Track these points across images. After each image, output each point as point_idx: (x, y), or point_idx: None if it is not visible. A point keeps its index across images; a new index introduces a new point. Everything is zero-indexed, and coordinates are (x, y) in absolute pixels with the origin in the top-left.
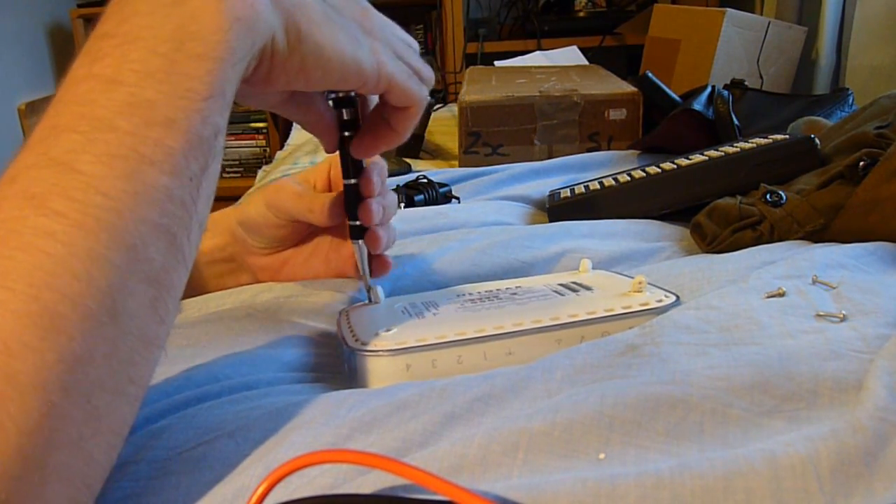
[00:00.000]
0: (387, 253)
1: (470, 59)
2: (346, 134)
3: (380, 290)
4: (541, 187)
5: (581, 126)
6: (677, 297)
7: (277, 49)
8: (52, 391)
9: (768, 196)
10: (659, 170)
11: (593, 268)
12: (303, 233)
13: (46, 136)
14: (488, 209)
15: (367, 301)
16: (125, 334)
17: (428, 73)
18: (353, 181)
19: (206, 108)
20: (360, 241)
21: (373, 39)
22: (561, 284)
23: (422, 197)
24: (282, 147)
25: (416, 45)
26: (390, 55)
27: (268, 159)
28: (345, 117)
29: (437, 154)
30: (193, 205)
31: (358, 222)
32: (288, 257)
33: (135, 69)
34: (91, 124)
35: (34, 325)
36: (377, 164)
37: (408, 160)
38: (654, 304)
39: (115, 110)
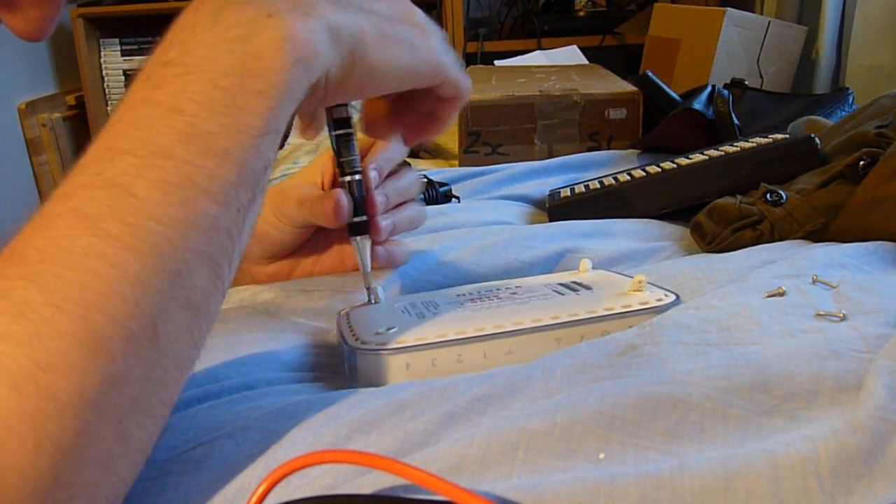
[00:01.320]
0: (402, 242)
1: (470, 59)
2: (339, 132)
3: (380, 290)
4: (541, 187)
5: (581, 125)
6: (677, 296)
7: (332, 79)
8: (88, 411)
9: (768, 195)
10: (659, 169)
11: (593, 267)
12: (309, 234)
13: (102, 157)
14: (488, 209)
15: (367, 301)
16: (162, 357)
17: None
18: (348, 179)
19: (261, 143)
20: (359, 238)
21: (428, 39)
22: (561, 284)
23: (422, 196)
24: (282, 147)
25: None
26: (445, 50)
27: None
28: (335, 116)
29: (436, 153)
30: (238, 235)
31: (356, 219)
32: (296, 262)
33: (195, 100)
34: (148, 149)
35: (79, 345)
36: (377, 158)
37: (408, 159)
38: (653, 304)
39: (174, 138)
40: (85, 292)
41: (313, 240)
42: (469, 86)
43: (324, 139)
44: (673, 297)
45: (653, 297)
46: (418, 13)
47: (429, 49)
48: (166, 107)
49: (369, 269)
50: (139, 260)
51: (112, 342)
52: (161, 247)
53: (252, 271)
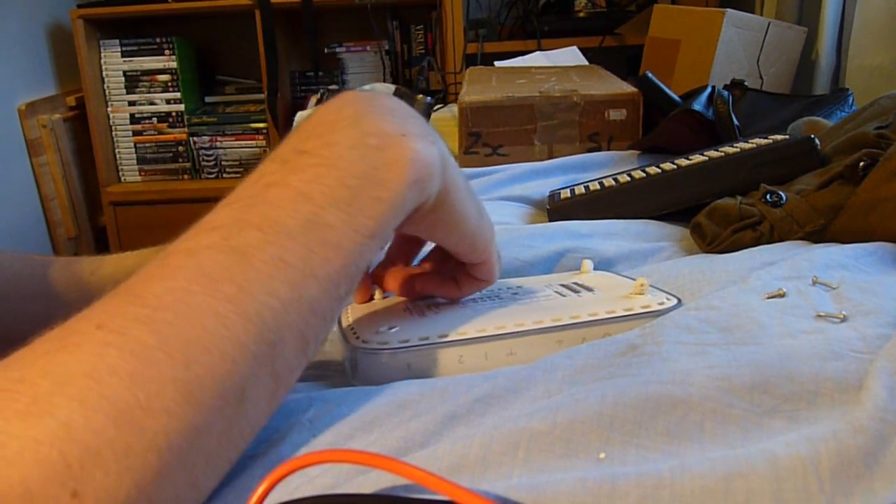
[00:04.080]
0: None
1: (470, 60)
2: None
3: (378, 289)
4: (541, 188)
5: (581, 126)
6: (679, 300)
7: (426, 208)
8: (171, 455)
9: (768, 196)
10: (659, 170)
11: (594, 268)
12: None
13: (231, 225)
14: (488, 209)
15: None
16: (241, 418)
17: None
18: None
19: (370, 244)
20: None
21: (485, 220)
22: (562, 285)
23: None
24: None
25: None
26: (493, 235)
27: None
28: None
29: None
30: (331, 320)
31: None
32: None
33: (324, 192)
34: (274, 228)
35: (177, 392)
36: None
37: None
38: (655, 307)
39: (298, 222)
40: (192, 344)
41: None
42: (496, 277)
43: None
44: (675, 301)
45: (654, 301)
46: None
47: (490, 227)
48: (297, 192)
49: (373, 268)
50: (245, 325)
51: (205, 395)
52: (266, 317)
53: None
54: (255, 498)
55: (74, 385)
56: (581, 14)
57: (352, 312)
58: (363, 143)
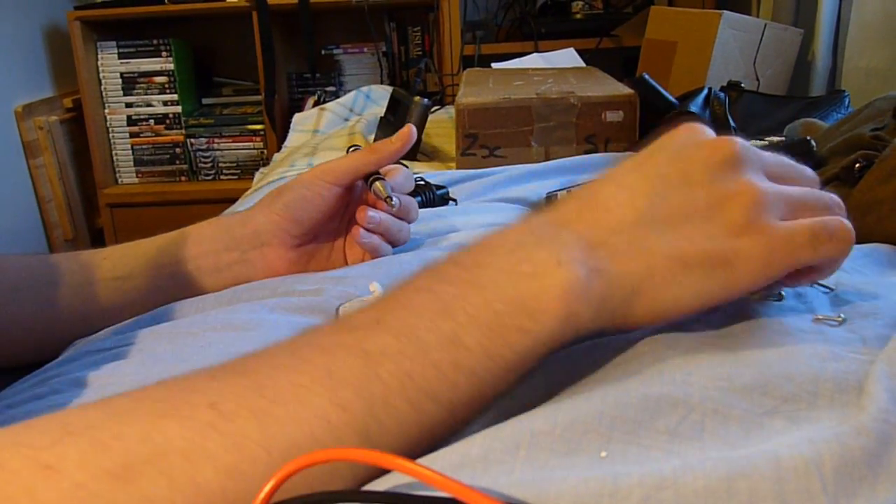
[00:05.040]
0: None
1: (467, 61)
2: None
3: (378, 287)
4: (538, 189)
5: (578, 128)
6: None
7: (618, 322)
8: None
9: None
10: None
11: None
12: (339, 209)
13: (370, 326)
14: (485, 211)
15: (363, 296)
16: None
17: (836, 204)
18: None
19: (507, 376)
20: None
21: (750, 235)
22: None
23: (420, 199)
24: (279, 149)
25: (808, 173)
26: (784, 241)
27: (265, 161)
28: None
29: (434, 156)
30: (435, 444)
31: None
32: (314, 251)
33: (468, 311)
34: (410, 339)
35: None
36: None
37: (405, 162)
38: None
39: (435, 339)
40: (295, 450)
41: (331, 232)
42: (842, 251)
43: (321, 140)
44: None
45: None
46: (750, 188)
47: (747, 258)
48: (441, 306)
49: (390, 191)
50: (353, 439)
51: None
52: (377, 435)
53: (270, 258)
54: (260, 497)
55: (168, 460)
56: (578, 16)
57: (348, 310)
58: (516, 270)
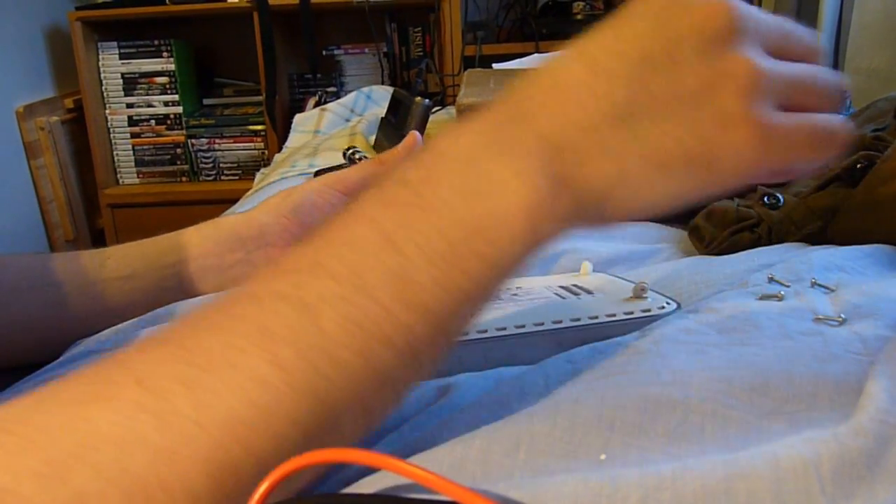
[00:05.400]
0: None
1: (468, 62)
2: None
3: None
4: None
5: None
6: (678, 304)
7: (586, 224)
8: None
9: (766, 198)
10: None
11: (592, 269)
12: None
13: (307, 269)
14: None
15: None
16: (279, 490)
17: (835, 91)
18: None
19: (466, 309)
20: None
21: (739, 128)
22: (562, 287)
23: None
24: (280, 150)
25: (809, 39)
26: (776, 135)
27: (266, 162)
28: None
29: None
30: (404, 392)
31: None
32: None
33: (417, 242)
34: (352, 281)
35: (207, 475)
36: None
37: None
38: (655, 311)
39: (381, 277)
40: (233, 420)
41: None
42: (835, 147)
43: (322, 141)
44: (674, 306)
45: (654, 305)
46: (747, 66)
47: (734, 154)
48: (386, 237)
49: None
50: (298, 400)
51: (240, 477)
52: (325, 392)
53: (274, 259)
54: (256, 497)
55: (97, 450)
56: (579, 16)
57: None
58: (471, 186)
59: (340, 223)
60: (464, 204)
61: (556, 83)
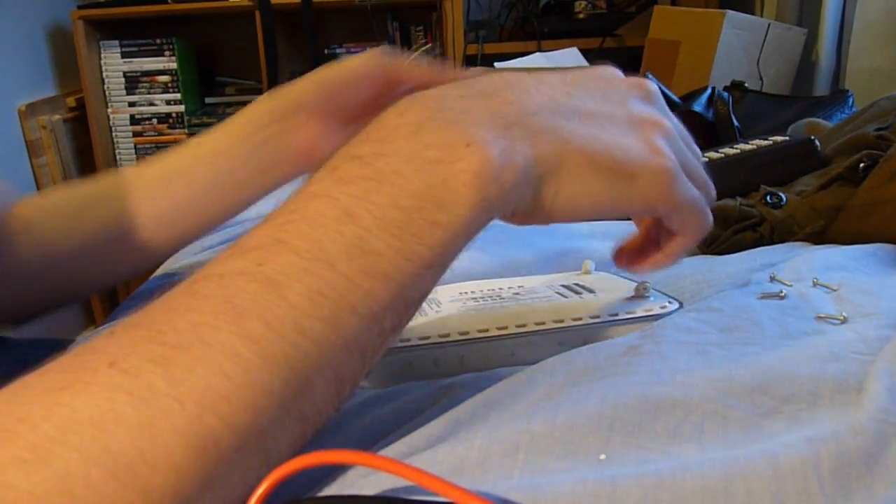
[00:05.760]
0: None
1: (470, 61)
2: None
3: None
4: None
5: None
6: (681, 303)
7: (517, 213)
8: None
9: (768, 197)
10: None
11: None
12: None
13: (267, 246)
14: None
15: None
16: (262, 465)
17: (712, 190)
18: None
19: (425, 274)
20: None
21: (659, 157)
22: (564, 286)
23: None
24: None
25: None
26: (680, 180)
27: None
28: None
29: None
30: (371, 358)
31: None
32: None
33: (373, 213)
34: (313, 253)
35: (187, 447)
36: None
37: None
38: (657, 311)
39: (341, 248)
40: (209, 393)
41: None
42: (706, 226)
43: None
44: (676, 305)
45: (656, 305)
46: (656, 116)
47: (655, 170)
48: (342, 209)
49: None
50: (270, 370)
51: (220, 448)
52: (295, 360)
53: (308, 126)
54: (255, 497)
55: (77, 432)
56: (581, 15)
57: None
58: (421, 156)
59: (298, 202)
60: (416, 173)
61: (508, 81)
